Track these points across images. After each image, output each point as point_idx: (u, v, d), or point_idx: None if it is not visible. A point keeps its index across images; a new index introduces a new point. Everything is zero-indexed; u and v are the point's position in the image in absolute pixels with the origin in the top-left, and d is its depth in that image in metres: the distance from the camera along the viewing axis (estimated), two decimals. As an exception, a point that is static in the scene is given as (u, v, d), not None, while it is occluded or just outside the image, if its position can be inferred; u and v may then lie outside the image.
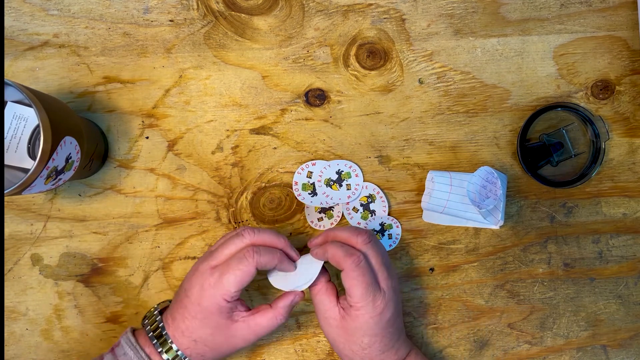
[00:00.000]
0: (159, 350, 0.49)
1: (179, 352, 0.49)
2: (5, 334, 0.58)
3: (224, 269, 0.48)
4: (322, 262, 0.51)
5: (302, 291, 0.51)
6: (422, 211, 0.60)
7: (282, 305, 0.50)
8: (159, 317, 0.50)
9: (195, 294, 0.48)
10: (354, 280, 0.48)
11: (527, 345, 0.59)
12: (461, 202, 0.57)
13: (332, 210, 0.59)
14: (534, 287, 0.60)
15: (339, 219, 0.59)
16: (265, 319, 0.50)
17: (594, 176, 0.60)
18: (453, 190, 0.57)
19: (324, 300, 0.51)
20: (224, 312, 0.48)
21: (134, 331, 0.51)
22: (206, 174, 0.60)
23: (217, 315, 0.48)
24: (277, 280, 0.52)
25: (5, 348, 0.58)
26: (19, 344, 0.58)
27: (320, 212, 0.59)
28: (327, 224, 0.59)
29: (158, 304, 0.53)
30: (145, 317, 0.52)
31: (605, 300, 0.60)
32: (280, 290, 0.51)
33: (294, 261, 0.52)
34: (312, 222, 0.59)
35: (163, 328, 0.49)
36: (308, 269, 0.51)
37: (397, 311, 0.51)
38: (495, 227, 0.59)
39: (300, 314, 0.59)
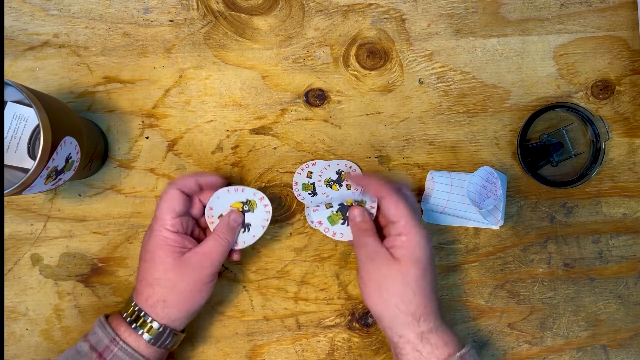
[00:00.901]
0: (124, 315, 0.49)
1: (143, 314, 0.48)
2: (5, 334, 0.58)
3: (157, 207, 0.51)
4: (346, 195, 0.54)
5: (238, 210, 0.53)
6: (422, 211, 0.60)
7: (221, 225, 0.52)
8: (132, 297, 0.51)
9: (145, 240, 0.51)
10: (399, 203, 0.49)
11: (527, 345, 0.59)
12: (461, 202, 0.57)
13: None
14: (534, 287, 0.60)
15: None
16: (209, 241, 0.51)
17: (594, 176, 0.60)
18: (453, 190, 0.57)
19: (372, 241, 0.50)
20: (171, 246, 0.49)
21: (107, 316, 0.51)
22: (206, 174, 0.60)
23: (164, 249, 0.49)
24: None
25: (5, 348, 0.58)
26: (19, 344, 0.58)
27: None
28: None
29: None
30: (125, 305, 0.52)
31: (605, 300, 0.60)
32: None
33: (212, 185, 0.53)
34: (312, 222, 0.59)
35: (135, 305, 0.50)
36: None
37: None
38: (495, 227, 0.59)
39: (300, 314, 0.59)
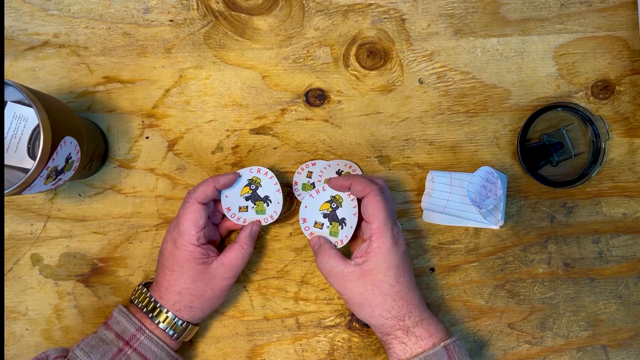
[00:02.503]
0: (150, 316, 0.52)
1: (169, 314, 0.52)
2: (5, 334, 0.58)
3: (179, 220, 0.53)
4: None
5: (259, 220, 0.56)
6: (422, 211, 0.60)
7: (244, 236, 0.54)
8: (145, 289, 0.54)
9: (168, 250, 0.53)
10: (378, 204, 0.50)
11: (527, 345, 0.59)
12: (461, 202, 0.57)
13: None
14: (534, 287, 0.60)
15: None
16: (233, 253, 0.53)
17: (594, 176, 0.60)
18: (453, 190, 0.57)
19: (336, 262, 0.51)
20: (197, 258, 0.52)
21: (125, 306, 0.54)
22: (206, 174, 0.60)
23: (192, 262, 0.52)
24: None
25: (5, 348, 0.58)
26: (19, 344, 0.58)
27: None
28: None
29: (141, 282, 0.55)
30: (132, 294, 0.54)
31: (605, 300, 0.60)
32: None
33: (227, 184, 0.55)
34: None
35: (151, 297, 0.53)
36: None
37: (409, 256, 0.53)
38: (496, 227, 0.59)
39: (300, 314, 0.59)
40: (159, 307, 0.52)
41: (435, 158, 0.60)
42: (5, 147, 0.47)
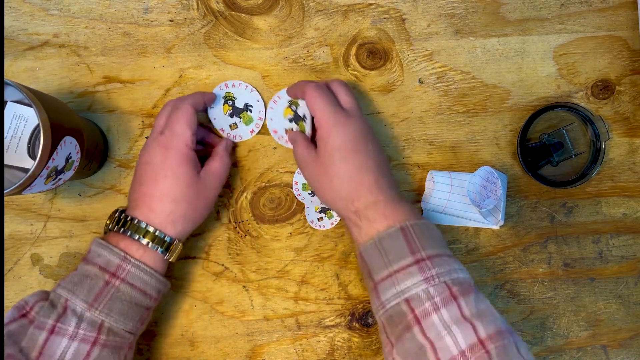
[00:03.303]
0: (136, 237, 0.49)
1: (156, 231, 0.49)
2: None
3: (171, 123, 0.52)
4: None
5: (232, 137, 0.58)
6: (422, 211, 0.60)
7: (221, 148, 0.56)
8: (122, 213, 0.51)
9: (159, 158, 0.51)
10: (314, 98, 0.52)
11: (527, 345, 0.59)
12: (461, 202, 0.57)
13: (333, 212, 0.59)
14: (534, 287, 0.60)
15: (339, 219, 0.59)
16: (216, 162, 0.54)
17: (594, 176, 0.60)
18: (453, 190, 0.57)
19: (304, 151, 0.53)
20: (191, 162, 0.51)
21: (102, 238, 0.51)
22: (206, 174, 0.60)
23: (186, 164, 0.51)
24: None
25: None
26: (19, 344, 0.58)
27: (320, 212, 0.59)
28: (327, 223, 0.59)
29: (115, 210, 0.53)
30: (107, 223, 0.52)
31: (605, 300, 0.60)
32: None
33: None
34: (312, 222, 0.59)
35: (133, 218, 0.50)
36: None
37: (373, 138, 0.53)
38: (496, 227, 0.59)
39: (300, 314, 0.59)
40: (143, 225, 0.49)
41: (435, 158, 0.60)
42: (5, 147, 0.47)
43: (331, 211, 0.59)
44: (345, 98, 0.54)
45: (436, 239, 0.49)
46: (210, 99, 0.57)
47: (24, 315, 0.47)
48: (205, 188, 0.52)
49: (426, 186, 0.59)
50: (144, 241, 0.49)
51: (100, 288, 0.47)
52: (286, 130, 0.58)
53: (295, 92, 0.56)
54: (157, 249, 0.50)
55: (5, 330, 0.45)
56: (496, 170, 0.57)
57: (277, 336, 0.59)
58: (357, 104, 0.54)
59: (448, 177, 0.57)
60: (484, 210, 0.55)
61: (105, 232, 0.52)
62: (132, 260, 0.48)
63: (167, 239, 0.50)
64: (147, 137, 0.59)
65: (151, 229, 0.49)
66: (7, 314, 0.47)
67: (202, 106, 0.56)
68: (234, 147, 0.59)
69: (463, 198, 0.57)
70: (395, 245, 0.47)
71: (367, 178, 0.50)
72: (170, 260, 0.51)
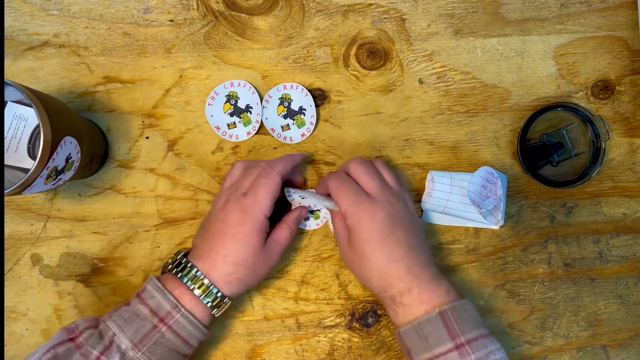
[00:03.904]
0: (191, 287, 0.50)
1: (211, 286, 0.50)
2: (5, 334, 0.58)
3: (255, 189, 0.52)
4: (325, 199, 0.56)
5: (307, 206, 0.57)
6: (422, 211, 0.60)
7: (292, 217, 0.55)
8: (184, 258, 0.52)
9: (235, 218, 0.51)
10: (335, 190, 0.53)
11: (527, 345, 0.59)
12: (461, 202, 0.57)
13: (320, 212, 0.59)
14: (534, 287, 0.60)
15: (325, 220, 0.59)
16: (283, 231, 0.54)
17: (594, 176, 0.60)
18: (453, 190, 0.57)
19: (336, 223, 0.54)
20: (263, 230, 0.52)
21: (158, 278, 0.52)
22: (206, 174, 0.60)
23: (258, 233, 0.51)
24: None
25: (5, 348, 0.58)
26: (19, 344, 0.58)
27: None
28: (312, 224, 0.59)
29: (178, 251, 0.53)
30: (165, 266, 0.53)
31: (606, 300, 0.60)
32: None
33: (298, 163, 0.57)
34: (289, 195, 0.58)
35: (192, 265, 0.51)
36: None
37: (401, 222, 0.52)
38: (496, 227, 0.59)
39: (300, 314, 0.59)
40: (200, 276, 0.50)
41: (436, 158, 0.60)
42: (5, 147, 0.47)
43: (318, 212, 0.59)
44: (370, 184, 0.53)
45: (474, 318, 0.49)
46: (298, 160, 0.57)
47: (72, 339, 0.49)
48: (268, 256, 0.53)
49: (426, 186, 0.59)
50: (197, 292, 0.50)
51: (147, 330, 0.48)
52: (284, 137, 0.59)
53: (321, 189, 0.57)
54: (207, 303, 0.50)
55: (53, 352, 0.47)
56: (496, 170, 0.57)
57: (277, 336, 0.59)
58: (405, 189, 0.56)
59: (448, 177, 0.57)
60: (484, 210, 0.55)
61: (163, 271, 0.53)
62: (182, 309, 0.49)
63: (219, 295, 0.51)
64: (147, 138, 0.60)
65: (206, 282, 0.50)
66: (56, 335, 0.49)
67: (290, 171, 0.55)
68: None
69: (463, 198, 0.57)
70: (434, 330, 0.48)
71: (397, 268, 0.50)
72: (216, 316, 0.52)
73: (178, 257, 0.52)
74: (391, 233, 0.51)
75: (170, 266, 0.52)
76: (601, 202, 0.60)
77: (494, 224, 0.58)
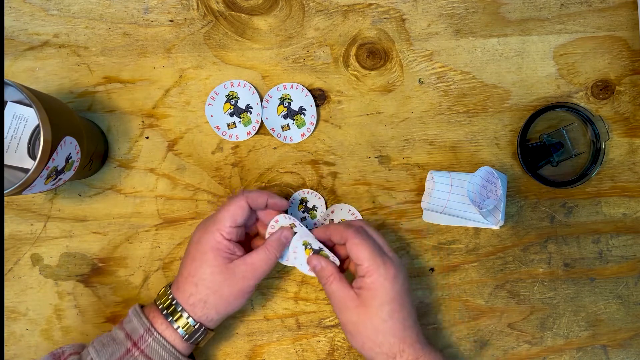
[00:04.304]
0: (169, 318, 0.50)
1: (188, 318, 0.50)
2: (5, 334, 0.58)
3: (218, 210, 0.52)
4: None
5: (290, 227, 0.54)
6: (422, 211, 0.60)
7: (272, 239, 0.53)
8: (168, 288, 0.52)
9: (196, 238, 0.52)
10: (359, 245, 0.50)
11: (527, 345, 0.59)
12: (461, 202, 0.57)
13: (316, 211, 0.59)
14: (534, 287, 0.60)
15: (323, 221, 0.59)
16: (257, 254, 0.52)
17: (594, 176, 0.60)
18: (453, 190, 0.57)
19: (338, 287, 0.51)
20: (221, 249, 0.50)
21: (142, 306, 0.52)
22: (206, 174, 0.60)
23: (215, 252, 0.50)
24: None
25: (5, 348, 0.58)
26: (19, 344, 0.58)
27: (303, 212, 0.59)
28: (310, 223, 0.59)
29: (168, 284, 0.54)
30: (157, 295, 0.53)
31: (605, 300, 0.60)
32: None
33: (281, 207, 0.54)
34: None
35: (173, 298, 0.51)
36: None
37: (410, 291, 0.51)
38: (496, 227, 0.59)
39: (300, 314, 0.59)
40: (175, 305, 0.50)
41: (435, 158, 0.60)
42: (5, 147, 0.47)
43: (314, 211, 0.59)
44: (387, 247, 0.52)
45: None
46: (277, 205, 0.54)
47: None
48: (234, 278, 0.51)
49: (426, 186, 0.59)
50: (166, 314, 0.50)
51: (121, 354, 0.49)
52: (284, 137, 0.58)
53: (330, 236, 0.53)
54: (177, 328, 0.50)
55: None
56: (496, 171, 0.57)
57: (277, 336, 0.59)
58: (383, 242, 0.54)
59: (448, 177, 0.57)
60: (484, 211, 0.55)
61: (154, 302, 0.53)
62: (155, 333, 0.49)
63: (189, 320, 0.50)
64: (147, 138, 0.60)
65: (174, 303, 0.50)
66: (43, 358, 0.51)
67: (260, 206, 0.53)
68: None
69: (463, 198, 0.57)
70: None
71: (409, 334, 0.50)
72: (190, 342, 0.50)
73: (164, 288, 0.52)
74: (407, 297, 0.51)
75: (157, 296, 0.52)
76: (601, 202, 0.60)
77: (494, 224, 0.58)
